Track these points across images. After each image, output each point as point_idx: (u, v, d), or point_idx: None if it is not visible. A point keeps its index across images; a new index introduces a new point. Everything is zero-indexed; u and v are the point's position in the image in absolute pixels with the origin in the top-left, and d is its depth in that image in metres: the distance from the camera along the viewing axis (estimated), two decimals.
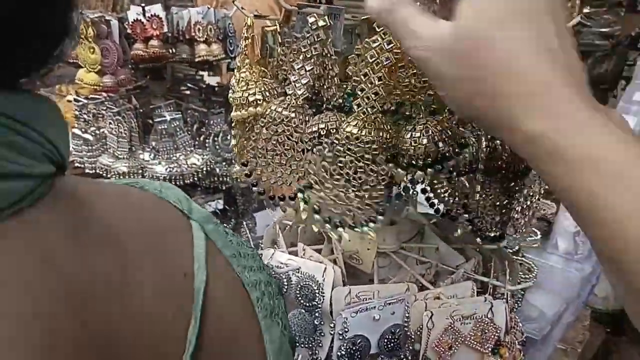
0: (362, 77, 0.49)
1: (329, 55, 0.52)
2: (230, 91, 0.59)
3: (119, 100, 1.22)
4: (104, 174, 1.18)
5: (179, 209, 0.34)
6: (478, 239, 0.61)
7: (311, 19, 0.51)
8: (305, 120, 0.53)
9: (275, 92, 0.57)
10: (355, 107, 0.50)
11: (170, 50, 1.15)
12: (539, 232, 1.50)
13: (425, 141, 0.48)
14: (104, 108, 1.21)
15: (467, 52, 0.33)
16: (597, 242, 0.32)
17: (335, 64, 0.53)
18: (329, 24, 0.51)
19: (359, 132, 0.49)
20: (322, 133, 0.51)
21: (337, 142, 0.50)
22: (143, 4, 1.13)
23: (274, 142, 0.55)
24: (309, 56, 0.52)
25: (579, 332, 1.47)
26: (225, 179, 1.21)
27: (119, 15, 1.17)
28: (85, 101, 1.22)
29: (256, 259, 0.38)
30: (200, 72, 1.39)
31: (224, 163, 1.22)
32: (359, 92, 0.49)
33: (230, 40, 1.25)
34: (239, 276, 0.35)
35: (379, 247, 0.70)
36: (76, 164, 1.25)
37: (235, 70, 0.59)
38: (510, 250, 1.07)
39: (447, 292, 0.62)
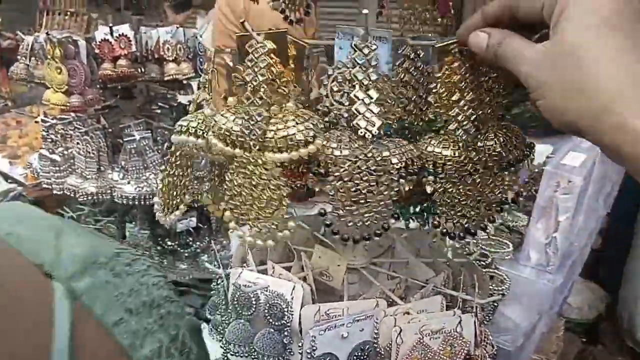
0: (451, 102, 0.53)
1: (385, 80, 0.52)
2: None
3: (87, 120, 1.20)
4: (72, 195, 1.15)
5: (38, 264, 0.26)
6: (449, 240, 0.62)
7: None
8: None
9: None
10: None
11: (140, 70, 1.15)
12: (511, 245, 1.51)
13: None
14: (72, 128, 1.19)
15: (559, 63, 0.38)
16: None
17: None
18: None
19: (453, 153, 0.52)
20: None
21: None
22: (111, 24, 1.13)
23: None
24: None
25: (553, 343, 1.48)
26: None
27: (87, 36, 1.16)
28: (53, 121, 1.20)
29: (166, 306, 0.30)
30: (171, 91, 1.39)
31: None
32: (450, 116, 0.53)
33: (201, 59, 1.24)
34: (126, 351, 0.27)
35: (349, 263, 0.70)
36: (44, 185, 1.23)
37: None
38: (483, 262, 1.08)
39: (416, 307, 0.62)
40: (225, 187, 0.54)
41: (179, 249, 1.28)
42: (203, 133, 0.55)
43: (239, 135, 0.50)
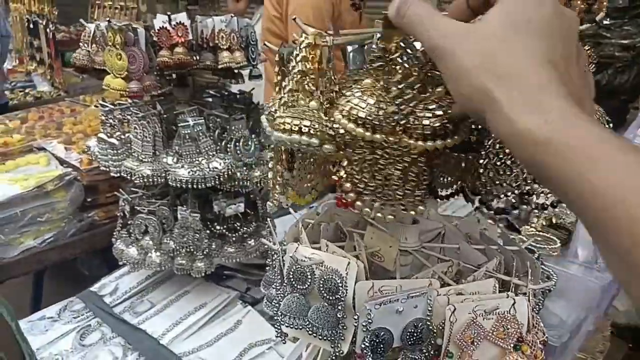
0: None
1: None
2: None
3: (144, 106, 1.25)
4: (129, 177, 1.20)
5: None
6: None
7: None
8: None
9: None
10: None
11: (195, 58, 1.18)
12: (558, 241, 1.49)
13: None
14: (129, 113, 1.24)
15: (483, 51, 0.39)
16: (589, 227, 0.35)
17: None
18: None
19: None
20: None
21: None
22: (169, 13, 1.17)
23: None
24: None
25: (599, 342, 1.44)
26: (245, 182, 1.23)
27: (146, 24, 1.20)
28: (112, 107, 1.26)
29: None
30: (224, 80, 1.42)
31: (244, 167, 1.24)
32: None
33: (252, 49, 1.27)
34: None
35: (400, 245, 0.71)
36: (101, 168, 1.29)
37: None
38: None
39: (469, 288, 0.63)
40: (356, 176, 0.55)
41: (227, 233, 1.32)
42: (316, 132, 0.52)
43: (383, 119, 0.49)
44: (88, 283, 1.49)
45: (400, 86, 0.50)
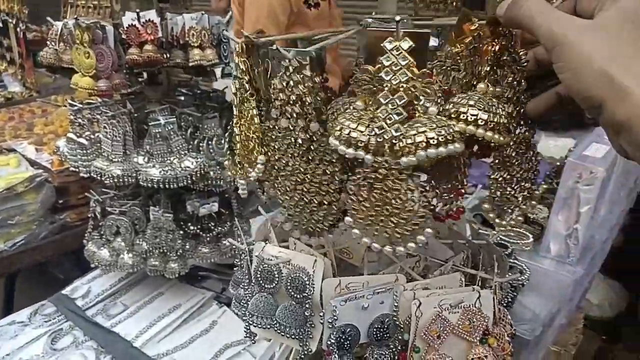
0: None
1: None
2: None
3: (114, 105, 1.23)
4: (99, 177, 1.18)
5: None
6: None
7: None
8: None
9: None
10: None
11: (165, 55, 1.17)
12: (531, 236, 1.51)
13: None
14: (99, 112, 1.22)
15: (607, 41, 0.42)
16: None
17: None
18: None
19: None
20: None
21: None
22: (138, 10, 1.15)
23: None
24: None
25: (572, 335, 1.47)
26: (219, 182, 1.22)
27: (115, 22, 1.18)
28: (81, 105, 1.23)
29: None
30: (195, 78, 1.41)
31: (217, 167, 1.23)
32: None
33: (225, 46, 1.26)
34: None
35: None
36: (71, 169, 1.26)
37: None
38: (503, 253, 1.08)
39: (435, 283, 0.63)
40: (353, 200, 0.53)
41: (201, 233, 1.31)
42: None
43: (370, 139, 0.49)
44: (61, 286, 1.46)
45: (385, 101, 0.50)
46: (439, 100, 0.53)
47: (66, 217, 1.90)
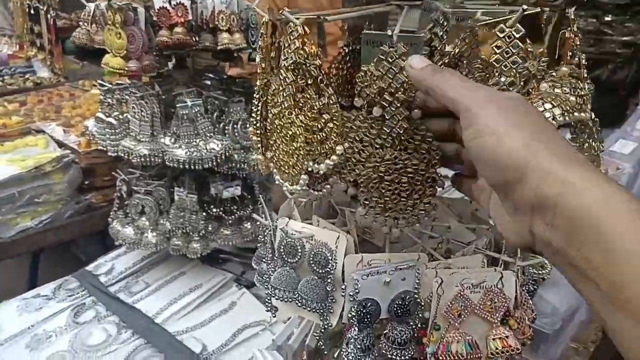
0: None
1: None
2: None
3: (143, 86, 1.25)
4: (126, 156, 1.21)
5: None
6: None
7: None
8: None
9: None
10: None
11: (194, 38, 1.19)
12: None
13: None
14: (128, 93, 1.24)
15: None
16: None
17: None
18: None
19: None
20: None
21: None
22: None
23: None
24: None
25: (592, 332, 1.45)
26: (242, 165, 1.24)
27: (146, 4, 1.20)
28: (111, 86, 1.26)
29: None
30: (223, 63, 1.43)
31: (242, 150, 1.25)
32: None
33: (252, 32, 1.28)
34: None
35: None
36: (99, 147, 1.29)
37: None
38: None
39: (457, 263, 0.64)
40: None
41: (223, 215, 1.33)
42: None
43: None
44: (85, 266, 1.50)
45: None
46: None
47: (92, 198, 1.93)
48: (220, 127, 1.24)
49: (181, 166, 1.16)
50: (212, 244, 1.33)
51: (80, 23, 1.27)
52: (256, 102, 0.67)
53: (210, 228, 1.31)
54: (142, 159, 1.18)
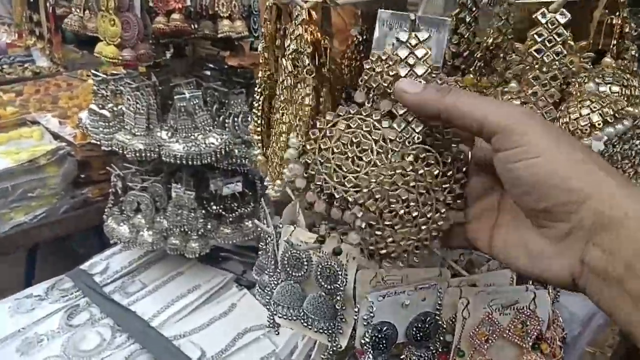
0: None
1: None
2: None
3: (139, 77, 1.18)
4: (120, 151, 1.14)
5: None
6: None
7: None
8: None
9: None
10: None
11: (193, 26, 1.11)
12: None
13: None
14: (123, 84, 1.17)
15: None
16: None
17: None
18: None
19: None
20: None
21: None
22: None
23: None
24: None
25: (609, 336, 1.39)
26: (243, 161, 1.17)
27: None
28: (104, 76, 1.19)
29: None
30: (222, 53, 1.35)
31: (242, 145, 1.18)
32: None
33: (255, 19, 1.20)
34: None
35: None
36: (92, 141, 1.22)
37: None
38: None
39: (483, 279, 0.57)
40: None
41: (223, 213, 1.26)
42: None
43: None
44: (82, 262, 1.44)
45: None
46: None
47: (88, 192, 1.87)
48: (220, 120, 1.17)
49: (178, 162, 1.09)
50: (211, 241, 1.26)
51: (73, 9, 1.19)
52: (257, 97, 0.60)
53: (209, 226, 1.24)
54: (137, 154, 1.11)
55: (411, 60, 0.44)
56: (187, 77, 1.21)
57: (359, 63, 0.63)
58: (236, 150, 1.15)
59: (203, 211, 1.23)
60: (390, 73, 0.44)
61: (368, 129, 0.45)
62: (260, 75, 0.60)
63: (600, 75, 0.50)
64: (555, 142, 0.35)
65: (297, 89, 0.52)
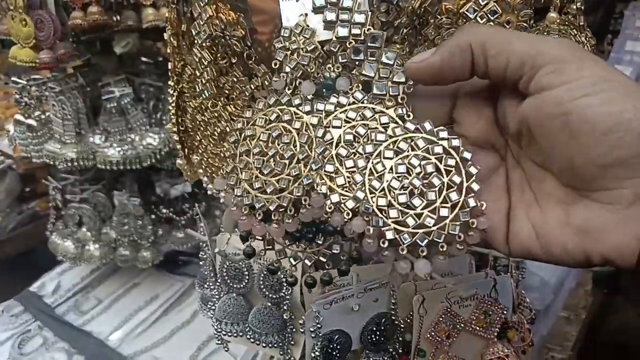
0: None
1: None
2: None
3: (63, 80, 1.08)
4: (52, 162, 1.05)
5: None
6: None
7: None
8: None
9: None
10: None
11: (115, 18, 1.02)
12: None
13: None
14: (46, 88, 1.07)
15: None
16: None
17: None
18: None
19: None
20: None
21: None
22: None
23: None
24: None
25: (581, 298, 1.39)
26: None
27: None
28: (25, 82, 1.09)
29: None
30: (158, 45, 1.26)
31: None
32: None
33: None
34: None
35: None
36: (22, 153, 1.13)
37: None
38: None
39: (439, 269, 0.52)
40: None
41: (174, 216, 1.19)
42: None
43: None
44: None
45: None
46: None
47: (35, 206, 1.77)
48: (158, 117, 1.09)
49: (115, 167, 1.01)
50: (164, 248, 1.19)
51: None
52: (172, 92, 0.53)
53: (160, 232, 1.17)
54: (70, 164, 1.02)
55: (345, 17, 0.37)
56: (117, 75, 1.11)
57: None
58: None
59: (152, 217, 1.16)
60: (309, 48, 0.38)
61: (289, 118, 0.38)
62: (170, 67, 0.53)
63: (545, 33, 0.45)
64: (615, 76, 0.28)
65: (227, 80, 0.46)
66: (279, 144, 0.38)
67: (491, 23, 0.38)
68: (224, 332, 0.54)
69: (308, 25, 0.38)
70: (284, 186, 0.36)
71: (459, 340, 0.49)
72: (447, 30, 0.39)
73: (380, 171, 0.32)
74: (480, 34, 0.31)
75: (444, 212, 0.31)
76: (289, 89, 0.40)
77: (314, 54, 0.38)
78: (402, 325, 0.50)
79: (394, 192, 0.32)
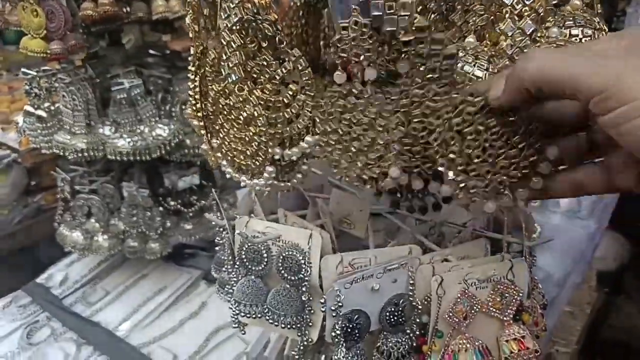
0: None
1: None
2: None
3: (73, 71, 1.09)
4: (62, 153, 1.05)
5: None
6: None
7: None
8: None
9: None
10: None
11: (125, 9, 1.02)
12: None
13: None
14: (56, 80, 1.08)
15: None
16: None
17: None
18: None
19: None
20: None
21: None
22: None
23: None
24: None
25: (585, 294, 1.39)
26: (197, 150, 1.10)
27: None
28: (35, 73, 1.09)
29: None
30: (165, 37, 1.26)
31: (194, 133, 1.10)
32: None
33: None
34: None
35: (372, 208, 0.60)
36: (30, 146, 1.13)
37: None
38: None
39: (456, 253, 0.53)
40: None
41: (182, 208, 1.19)
42: None
43: None
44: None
45: None
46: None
47: (41, 199, 1.77)
48: (167, 109, 1.10)
49: (125, 159, 1.02)
50: (172, 239, 1.20)
51: None
52: (192, 76, 0.54)
53: (168, 224, 1.17)
54: (79, 155, 1.03)
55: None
56: (126, 67, 1.12)
57: (301, 31, 0.58)
58: (188, 140, 1.08)
59: (160, 209, 1.16)
60: (370, 40, 0.39)
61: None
62: (192, 51, 0.53)
63: (571, 18, 0.45)
64: None
65: (256, 64, 0.46)
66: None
67: (527, 9, 0.38)
68: (242, 314, 0.55)
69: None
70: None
71: (475, 322, 0.50)
72: (481, 17, 0.40)
73: None
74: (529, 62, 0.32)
75: None
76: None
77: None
78: (420, 307, 0.50)
79: None
